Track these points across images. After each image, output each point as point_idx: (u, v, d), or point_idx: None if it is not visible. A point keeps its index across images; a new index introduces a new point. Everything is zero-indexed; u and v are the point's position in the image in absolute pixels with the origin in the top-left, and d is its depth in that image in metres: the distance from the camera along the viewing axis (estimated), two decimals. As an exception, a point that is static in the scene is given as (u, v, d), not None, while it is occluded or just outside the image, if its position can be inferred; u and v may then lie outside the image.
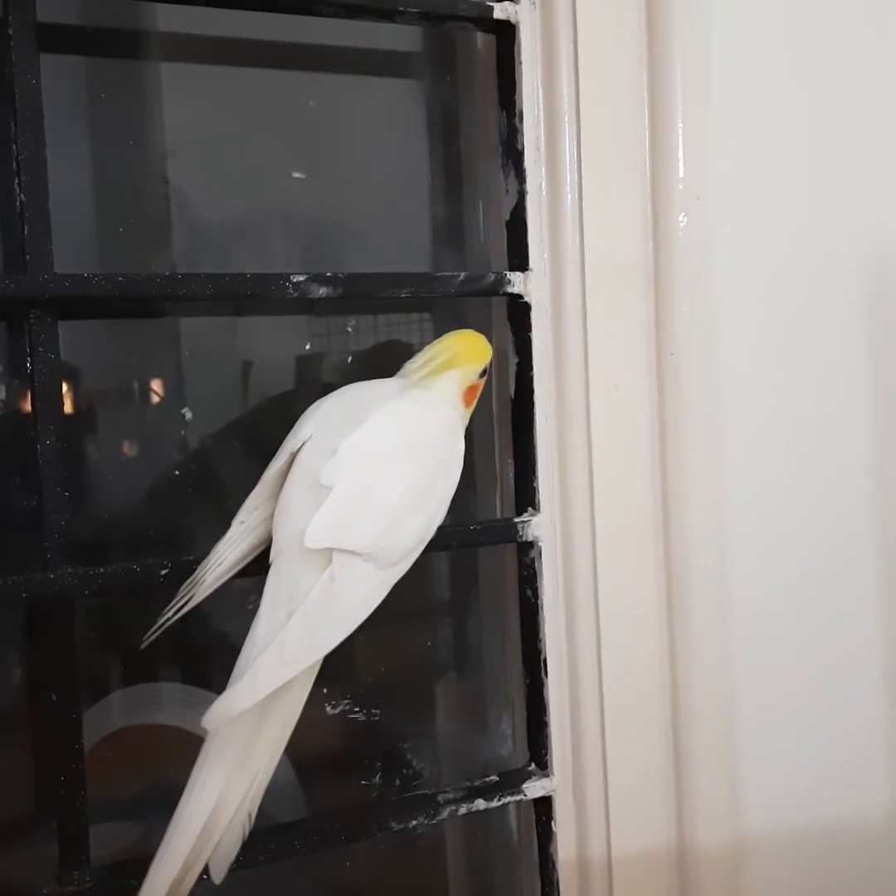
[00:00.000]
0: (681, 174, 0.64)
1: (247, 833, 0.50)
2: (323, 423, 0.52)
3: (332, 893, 0.73)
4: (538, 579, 0.64)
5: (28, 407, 0.54)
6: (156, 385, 0.67)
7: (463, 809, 0.61)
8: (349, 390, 0.55)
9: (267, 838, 0.58)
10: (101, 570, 0.53)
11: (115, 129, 0.65)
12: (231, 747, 0.48)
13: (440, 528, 0.54)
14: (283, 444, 0.53)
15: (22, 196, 0.52)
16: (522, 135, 0.63)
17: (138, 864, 0.55)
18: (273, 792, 0.69)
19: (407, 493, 0.50)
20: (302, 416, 0.54)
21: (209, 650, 0.68)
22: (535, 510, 0.64)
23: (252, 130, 0.68)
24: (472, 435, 0.73)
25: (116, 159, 0.65)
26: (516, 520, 0.64)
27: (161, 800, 0.68)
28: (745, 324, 0.66)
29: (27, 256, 0.52)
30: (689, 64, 0.64)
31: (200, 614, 0.68)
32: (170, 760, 0.69)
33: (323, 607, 0.48)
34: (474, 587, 0.75)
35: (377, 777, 0.70)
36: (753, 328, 0.66)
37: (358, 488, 0.49)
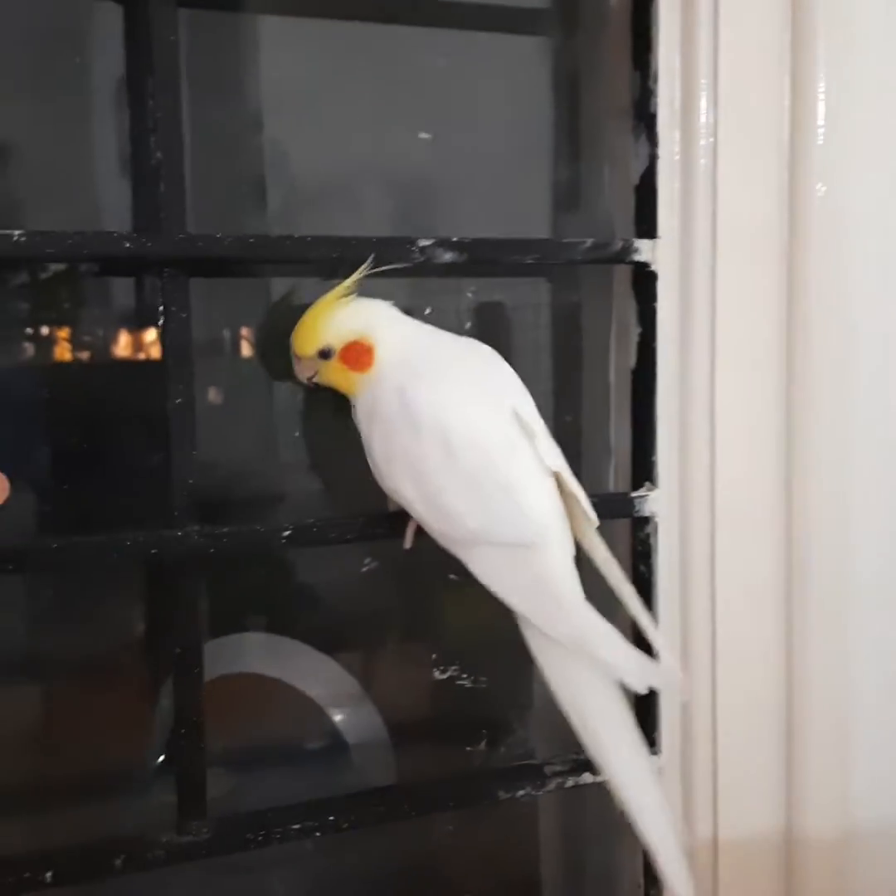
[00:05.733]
0: (820, 141, 0.61)
1: None
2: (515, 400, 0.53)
3: (414, 858, 0.73)
4: (653, 555, 0.63)
5: (156, 366, 0.55)
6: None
7: (570, 782, 0.61)
8: (467, 357, 0.54)
9: (375, 800, 0.59)
10: (226, 529, 0.54)
11: (216, 86, 0.64)
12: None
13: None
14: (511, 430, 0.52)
15: (158, 154, 0.52)
16: (656, 96, 0.61)
17: (254, 818, 0.56)
18: (365, 755, 0.70)
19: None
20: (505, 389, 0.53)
21: (317, 604, 0.69)
22: (653, 485, 0.63)
23: (374, 87, 0.67)
24: (584, 405, 0.72)
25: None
26: (633, 494, 0.63)
27: (255, 750, 0.69)
28: (883, 302, 0.63)
29: (162, 215, 0.52)
30: (833, 27, 0.60)
31: (310, 568, 0.69)
32: (264, 711, 0.70)
33: None
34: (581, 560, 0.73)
35: (482, 744, 0.70)
36: (892, 306, 0.63)
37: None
